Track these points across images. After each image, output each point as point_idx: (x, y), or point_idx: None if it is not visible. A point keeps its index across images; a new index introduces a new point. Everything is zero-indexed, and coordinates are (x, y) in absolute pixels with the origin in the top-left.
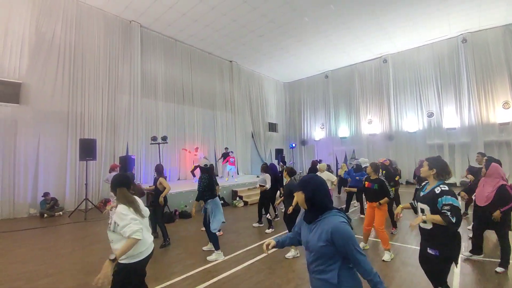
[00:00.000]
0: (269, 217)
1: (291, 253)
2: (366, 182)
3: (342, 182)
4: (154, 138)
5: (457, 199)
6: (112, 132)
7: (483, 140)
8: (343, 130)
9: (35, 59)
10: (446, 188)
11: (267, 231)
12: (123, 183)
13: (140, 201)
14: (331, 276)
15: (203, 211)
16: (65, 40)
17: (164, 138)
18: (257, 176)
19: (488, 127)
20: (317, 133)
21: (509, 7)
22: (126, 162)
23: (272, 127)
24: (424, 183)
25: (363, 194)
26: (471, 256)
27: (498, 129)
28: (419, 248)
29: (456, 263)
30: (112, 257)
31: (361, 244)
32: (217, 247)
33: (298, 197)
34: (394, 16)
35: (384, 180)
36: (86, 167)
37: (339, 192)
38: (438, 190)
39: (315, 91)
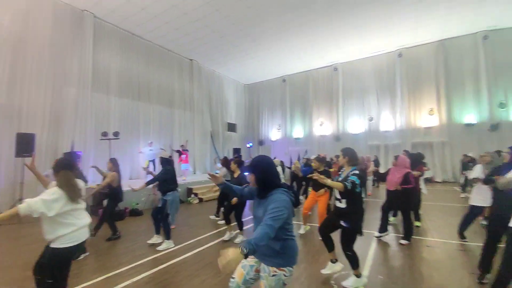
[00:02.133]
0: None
1: (240, 238)
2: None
3: (294, 177)
4: (104, 134)
5: (360, 180)
6: (55, 127)
7: (411, 142)
8: (298, 131)
9: None
10: (357, 172)
11: (219, 222)
12: (68, 166)
13: (82, 185)
14: (275, 244)
15: (162, 203)
16: (10, 29)
17: (116, 134)
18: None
19: (415, 130)
20: (274, 133)
21: (440, 25)
22: (72, 158)
23: (231, 127)
24: (341, 171)
25: (311, 186)
26: (380, 235)
27: (424, 132)
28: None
29: (361, 233)
30: None
31: (302, 227)
32: (168, 237)
33: (250, 178)
34: (344, 27)
35: (329, 171)
36: (23, 164)
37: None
38: (351, 173)
39: (274, 94)
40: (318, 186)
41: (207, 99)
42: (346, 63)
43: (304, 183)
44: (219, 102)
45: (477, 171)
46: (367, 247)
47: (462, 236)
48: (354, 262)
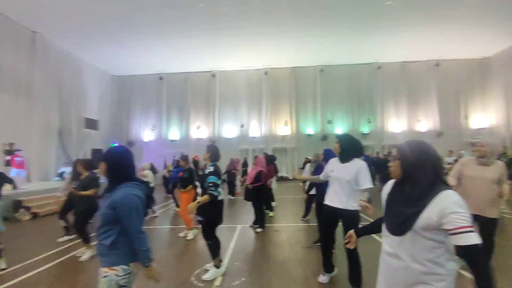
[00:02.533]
0: (65, 224)
1: (87, 254)
2: (180, 172)
3: (167, 181)
4: None
5: (218, 177)
6: None
7: (272, 146)
8: (174, 133)
9: None
10: (212, 169)
11: (59, 239)
12: None
13: None
14: (108, 240)
15: None
16: None
17: None
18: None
19: (275, 137)
20: (147, 134)
21: (294, 55)
22: None
23: (91, 123)
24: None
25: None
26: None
27: (281, 139)
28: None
29: (218, 224)
30: None
31: (185, 231)
32: None
33: (101, 167)
34: (221, 39)
35: (193, 169)
36: None
37: (167, 192)
38: (207, 171)
39: (149, 91)
40: (185, 183)
41: (55, 86)
42: (223, 71)
43: (178, 184)
44: (74, 91)
45: (306, 169)
46: (229, 238)
47: (304, 218)
48: (213, 251)
